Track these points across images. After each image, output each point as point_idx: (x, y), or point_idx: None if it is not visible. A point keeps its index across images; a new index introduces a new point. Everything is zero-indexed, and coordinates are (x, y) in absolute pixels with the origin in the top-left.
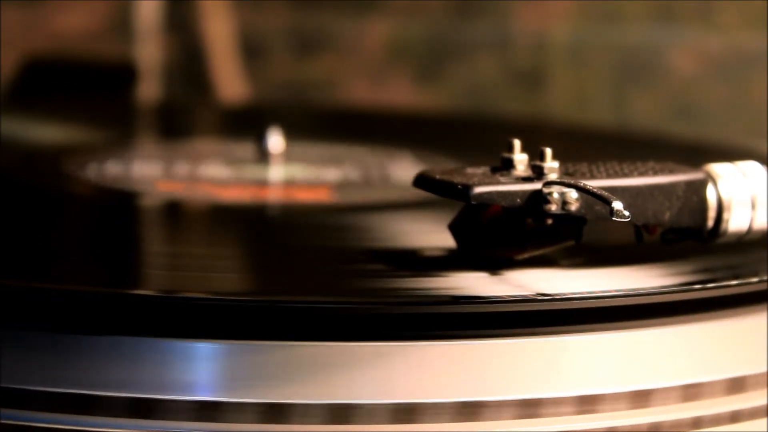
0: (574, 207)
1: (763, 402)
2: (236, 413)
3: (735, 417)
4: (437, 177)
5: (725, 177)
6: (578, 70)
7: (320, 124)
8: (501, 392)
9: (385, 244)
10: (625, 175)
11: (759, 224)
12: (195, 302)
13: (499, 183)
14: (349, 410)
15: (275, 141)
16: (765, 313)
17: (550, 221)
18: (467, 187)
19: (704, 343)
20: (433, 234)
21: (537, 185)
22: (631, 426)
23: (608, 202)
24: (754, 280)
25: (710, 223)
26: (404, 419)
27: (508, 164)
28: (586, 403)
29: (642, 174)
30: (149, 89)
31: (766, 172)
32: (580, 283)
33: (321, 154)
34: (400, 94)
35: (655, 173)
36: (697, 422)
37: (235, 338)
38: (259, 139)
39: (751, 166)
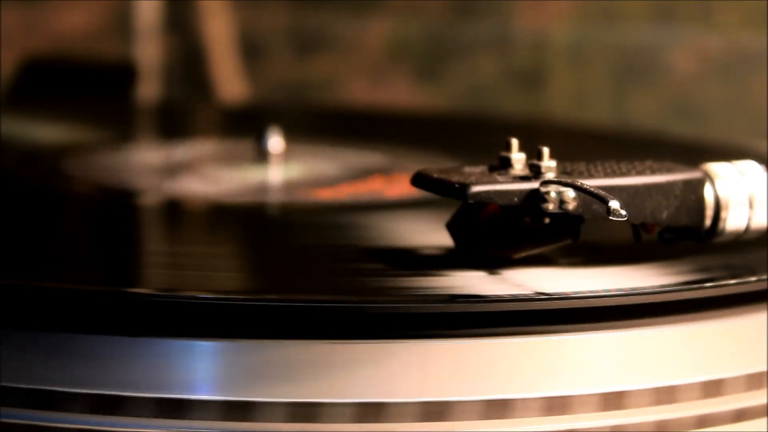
0: (571, 206)
1: (763, 402)
2: (235, 412)
3: (734, 416)
4: (435, 176)
5: (723, 176)
6: (578, 70)
7: (320, 124)
8: (499, 391)
9: (384, 243)
10: (622, 174)
11: (757, 223)
12: (194, 301)
13: (496, 182)
14: (347, 409)
15: (275, 141)
16: (764, 313)
17: (547, 220)
18: (464, 186)
19: (703, 342)
20: (431, 233)
21: (534, 184)
22: (630, 425)
23: (605, 201)
24: (752, 279)
25: (708, 222)
26: (403, 418)
27: (506, 163)
28: (585, 403)
29: (640, 173)
30: (149, 89)
31: (764, 172)
32: (577, 283)
33: (321, 154)
34: (400, 94)
35: (653, 172)
36: (696, 422)
37: (233, 337)
38: (259, 139)
39: (750, 166)
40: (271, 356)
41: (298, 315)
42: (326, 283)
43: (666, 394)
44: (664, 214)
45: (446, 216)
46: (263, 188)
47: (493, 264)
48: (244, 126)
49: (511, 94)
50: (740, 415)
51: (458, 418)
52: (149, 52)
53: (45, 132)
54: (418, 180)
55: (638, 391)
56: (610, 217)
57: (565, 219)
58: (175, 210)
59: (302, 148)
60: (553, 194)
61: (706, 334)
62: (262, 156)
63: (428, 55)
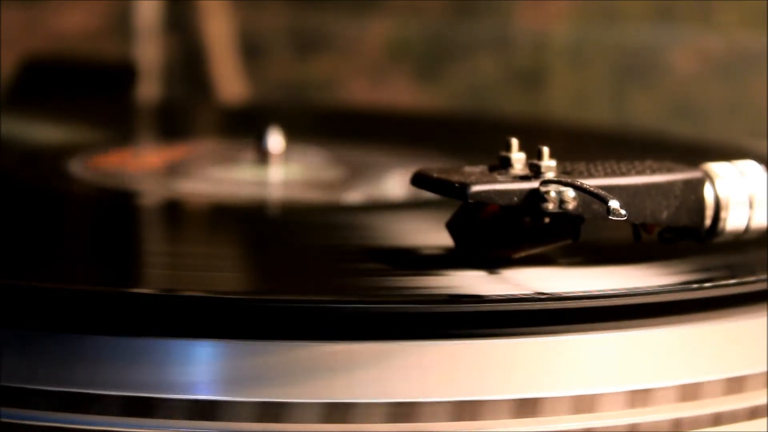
0: (571, 206)
1: (763, 402)
2: (235, 413)
3: (734, 417)
4: (435, 176)
5: (723, 176)
6: (578, 70)
7: (320, 124)
8: (499, 392)
9: (384, 243)
10: (622, 174)
11: (757, 223)
12: (194, 301)
13: (496, 182)
14: (347, 410)
15: (275, 141)
16: (764, 313)
17: (547, 220)
18: (464, 186)
19: (703, 342)
20: (431, 233)
21: (534, 184)
22: (629, 426)
23: (605, 201)
24: (752, 279)
25: (708, 222)
26: (403, 418)
27: (506, 163)
28: (584, 403)
29: (639, 173)
30: (149, 89)
31: (764, 172)
32: (577, 283)
33: (320, 154)
34: (400, 94)
35: (653, 172)
36: (696, 422)
37: (233, 338)
38: (259, 139)
39: (749, 166)
40: (271, 357)
41: (297, 315)
42: (326, 283)
43: (666, 395)
44: (664, 214)
45: (446, 216)
46: (263, 188)
47: (493, 264)
48: (244, 126)
49: (511, 94)
50: (740, 415)
51: (458, 418)
52: (149, 52)
53: (45, 132)
54: (418, 180)
55: (638, 391)
56: (610, 217)
57: (565, 219)
58: (175, 210)
59: (302, 148)
60: (553, 194)
61: (706, 334)
62: (262, 156)
63: (428, 55)
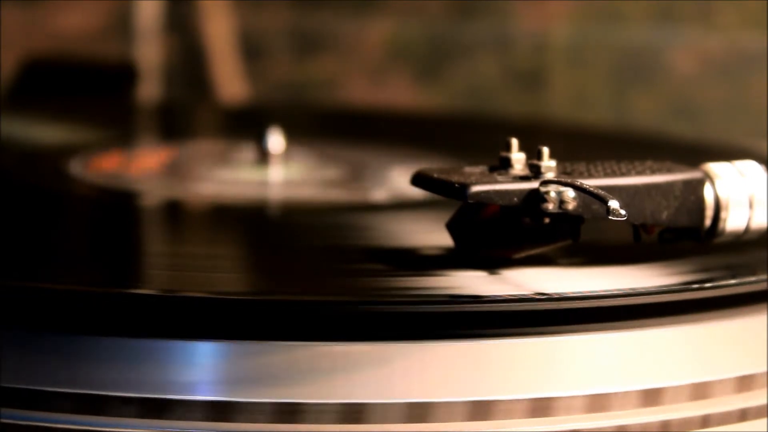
0: (571, 206)
1: (763, 402)
2: (237, 413)
3: (735, 417)
4: (435, 176)
5: (723, 176)
6: (578, 70)
7: (320, 124)
8: (512, 392)
9: (384, 243)
10: (622, 175)
11: (757, 224)
12: (196, 302)
13: (496, 182)
14: (349, 410)
15: (275, 141)
16: (764, 313)
17: (547, 220)
18: (464, 186)
19: (703, 343)
20: (431, 233)
21: (534, 184)
22: (634, 425)
23: (605, 201)
24: (752, 279)
25: (708, 222)
26: (416, 419)
27: (506, 163)
28: (584, 404)
29: (639, 173)
30: (149, 89)
31: (764, 172)
32: (577, 283)
33: (321, 154)
34: (400, 94)
35: (653, 172)
36: (698, 421)
37: (234, 338)
38: (259, 139)
39: (749, 166)
40: (270, 357)
41: (296, 316)
42: (326, 284)
43: (666, 395)
44: (664, 215)
45: (446, 216)
46: (263, 188)
47: (493, 264)
48: (244, 126)
49: (511, 94)
50: (741, 416)
51: (472, 417)
52: (149, 52)
53: (45, 132)
54: (418, 180)
55: (637, 391)
56: (610, 217)
57: (564, 219)
58: (175, 210)
59: (302, 148)
60: (552, 194)
61: (706, 334)
62: (262, 156)
63: (428, 55)
